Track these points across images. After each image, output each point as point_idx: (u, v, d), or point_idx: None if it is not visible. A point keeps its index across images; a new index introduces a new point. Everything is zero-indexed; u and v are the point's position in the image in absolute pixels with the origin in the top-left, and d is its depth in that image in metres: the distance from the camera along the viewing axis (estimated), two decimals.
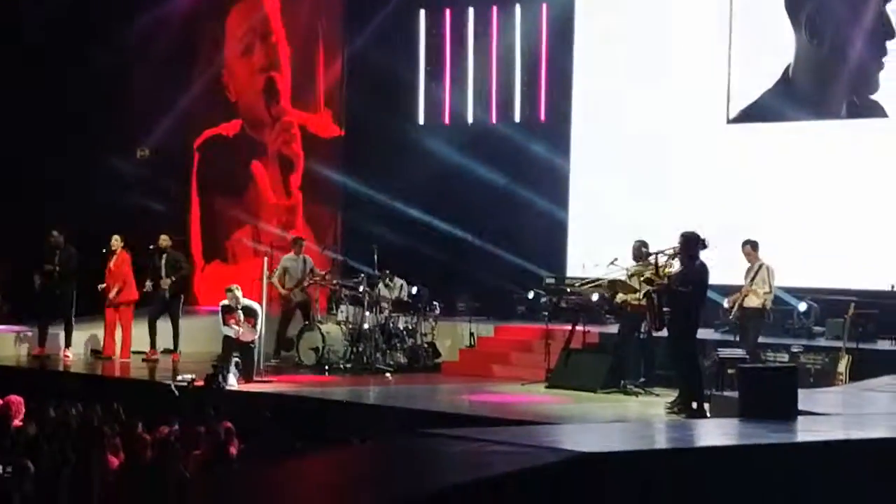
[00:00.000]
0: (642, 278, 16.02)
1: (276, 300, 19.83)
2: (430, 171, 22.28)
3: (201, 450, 11.74)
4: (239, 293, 18.10)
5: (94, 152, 23.35)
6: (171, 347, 20.24)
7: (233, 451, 12.03)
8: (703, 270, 14.93)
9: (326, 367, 19.14)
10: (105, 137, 23.64)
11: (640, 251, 16.76)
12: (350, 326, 19.55)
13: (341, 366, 19.24)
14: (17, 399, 13.25)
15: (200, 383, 16.52)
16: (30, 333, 20.58)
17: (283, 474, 7.47)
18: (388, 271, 20.23)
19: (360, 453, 8.92)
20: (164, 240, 20.38)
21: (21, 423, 12.70)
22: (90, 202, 22.71)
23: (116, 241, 20.30)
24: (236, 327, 17.71)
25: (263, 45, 25.52)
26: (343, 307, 19.80)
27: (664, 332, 15.52)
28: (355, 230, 23.28)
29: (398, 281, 20.21)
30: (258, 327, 17.95)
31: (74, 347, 20.35)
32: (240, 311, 17.85)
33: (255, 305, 18.12)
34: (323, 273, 20.65)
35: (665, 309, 15.17)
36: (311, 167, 24.71)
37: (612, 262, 17.19)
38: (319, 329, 19.56)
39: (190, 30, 25.34)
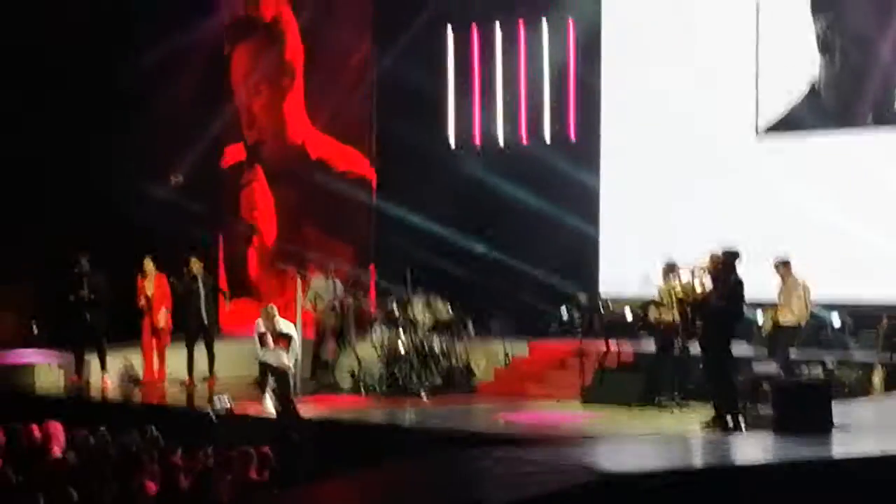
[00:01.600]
0: (677, 297, 16.05)
1: (310, 324, 19.88)
2: (461, 190, 22.33)
3: (233, 475, 11.81)
4: (275, 313, 18.12)
5: (122, 177, 23.44)
6: (207, 373, 20.30)
7: (259, 475, 12.08)
8: (740, 286, 14.93)
9: (363, 390, 19.17)
10: (134, 163, 23.76)
11: (671, 268, 16.77)
12: (385, 349, 19.58)
13: (377, 388, 19.26)
14: (57, 426, 13.33)
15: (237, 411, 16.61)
16: (62, 361, 20.59)
17: (320, 497, 7.54)
18: (430, 291, 20.21)
19: (397, 475, 8.97)
20: (196, 263, 20.41)
21: (61, 451, 12.78)
22: (118, 227, 22.79)
23: (150, 265, 20.34)
24: (275, 351, 17.72)
25: (285, 74, 25.58)
26: (378, 330, 19.84)
27: (697, 347, 15.54)
28: (388, 251, 23.32)
29: (437, 302, 20.14)
30: (294, 351, 18.00)
31: (109, 373, 20.35)
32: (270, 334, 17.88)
33: (291, 328, 18.17)
34: (352, 294, 20.73)
35: (697, 322, 15.19)
36: (342, 189, 24.75)
37: (644, 280, 17.23)
38: (355, 352, 19.60)
39: (214, 58, 25.45)
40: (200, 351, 20.39)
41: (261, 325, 17.98)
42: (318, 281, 20.71)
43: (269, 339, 17.82)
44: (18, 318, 24.29)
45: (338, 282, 20.79)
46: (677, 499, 7.92)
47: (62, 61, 23.10)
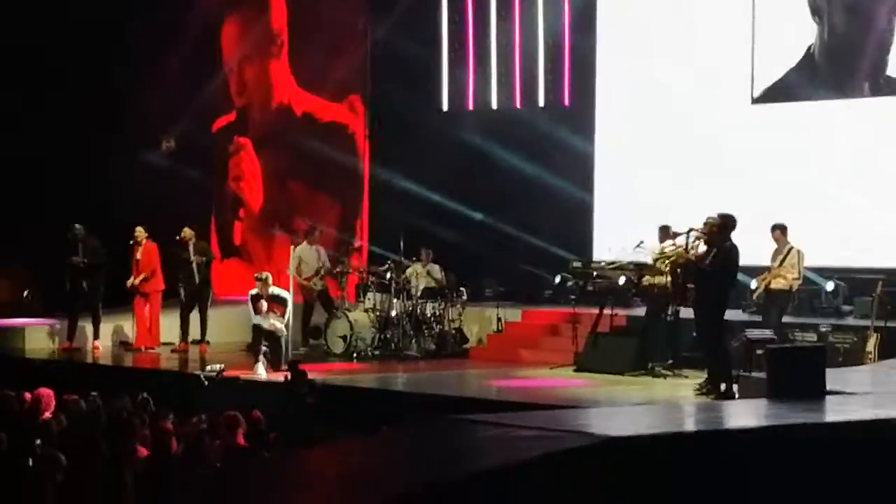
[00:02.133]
0: (668, 259, 16.04)
1: (296, 291, 19.85)
2: (454, 156, 22.25)
3: (224, 440, 11.79)
4: (269, 280, 18.16)
5: (115, 145, 23.40)
6: (199, 338, 20.32)
7: (250, 440, 12.07)
8: (733, 252, 14.91)
9: (355, 355, 19.17)
10: (127, 129, 23.73)
11: (666, 234, 16.78)
12: (378, 314, 19.57)
13: (369, 353, 19.27)
14: (47, 392, 13.31)
15: (229, 374, 16.60)
16: (59, 326, 20.67)
17: (311, 461, 7.50)
18: (430, 252, 20.19)
19: (389, 440, 8.94)
20: (188, 231, 20.46)
21: (51, 416, 12.76)
22: (113, 194, 22.78)
23: (141, 233, 20.41)
24: (268, 316, 17.73)
25: (272, 41, 25.52)
26: (370, 294, 19.84)
27: (691, 314, 15.54)
28: (381, 217, 23.29)
29: (435, 266, 20.17)
30: (287, 316, 18.02)
31: (102, 339, 20.45)
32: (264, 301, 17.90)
33: (284, 293, 18.20)
34: (340, 265, 20.74)
35: (689, 286, 15.20)
36: (335, 156, 24.69)
37: (637, 246, 17.26)
38: (347, 317, 19.57)
39: (206, 27, 25.37)
40: (194, 317, 20.40)
41: (255, 290, 18.02)
42: (302, 247, 20.65)
43: (263, 304, 17.84)
44: (13, 285, 24.27)
45: (321, 249, 20.74)
46: (670, 463, 7.88)
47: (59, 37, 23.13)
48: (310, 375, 14.78)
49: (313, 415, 13.26)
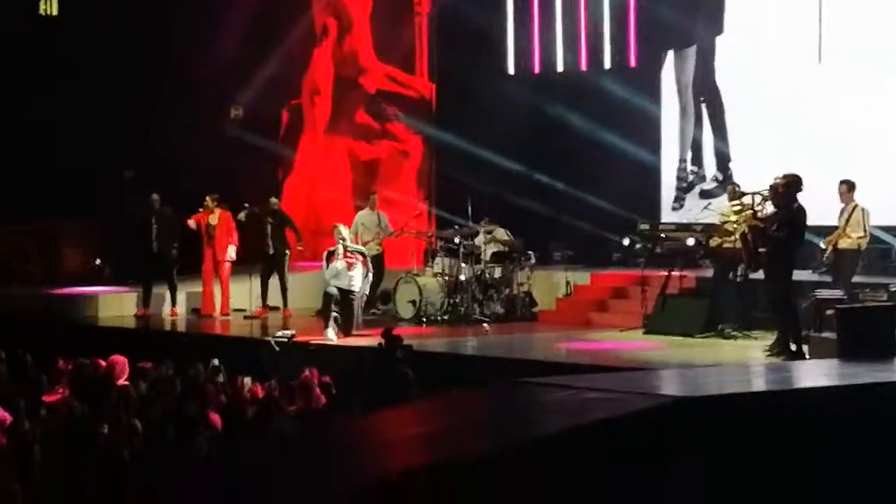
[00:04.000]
0: (737, 222, 15.99)
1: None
2: (520, 120, 22.20)
3: (297, 405, 11.91)
4: (345, 232, 18.23)
5: (186, 113, 23.57)
6: (280, 304, 20.43)
7: (323, 402, 12.18)
8: (801, 213, 14.85)
9: (424, 319, 19.24)
10: (197, 98, 23.90)
11: (735, 193, 16.74)
12: (446, 278, 19.62)
13: (439, 318, 19.33)
14: (121, 359, 13.46)
15: (300, 339, 16.72)
16: (132, 294, 20.87)
17: (383, 424, 7.57)
18: (487, 219, 20.23)
19: (459, 403, 9.00)
20: (273, 202, 20.71)
21: (126, 383, 12.92)
22: (183, 163, 22.95)
23: (211, 201, 20.53)
24: (348, 270, 17.75)
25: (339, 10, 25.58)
26: (439, 259, 19.89)
27: (760, 274, 15.49)
28: (448, 182, 23.32)
29: (500, 230, 20.17)
30: (366, 271, 18.07)
31: (177, 306, 20.64)
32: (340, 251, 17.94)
33: (362, 248, 18.35)
34: (406, 229, 20.80)
35: (760, 250, 15.14)
36: (402, 121, 24.79)
37: (706, 207, 17.22)
38: (416, 281, 19.63)
39: None
40: (271, 283, 20.53)
41: (331, 248, 18.06)
42: (362, 213, 20.73)
43: (339, 258, 17.85)
44: (87, 253, 24.54)
45: (382, 214, 20.79)
46: (740, 424, 7.89)
47: None
48: (373, 341, 14.84)
49: (408, 382, 13.31)
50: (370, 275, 18.37)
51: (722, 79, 21.23)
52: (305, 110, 25.89)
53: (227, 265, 20.60)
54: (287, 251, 20.55)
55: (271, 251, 20.30)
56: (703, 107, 21.50)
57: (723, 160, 21.05)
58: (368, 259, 18.33)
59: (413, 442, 7.03)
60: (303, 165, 25.92)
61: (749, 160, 20.00)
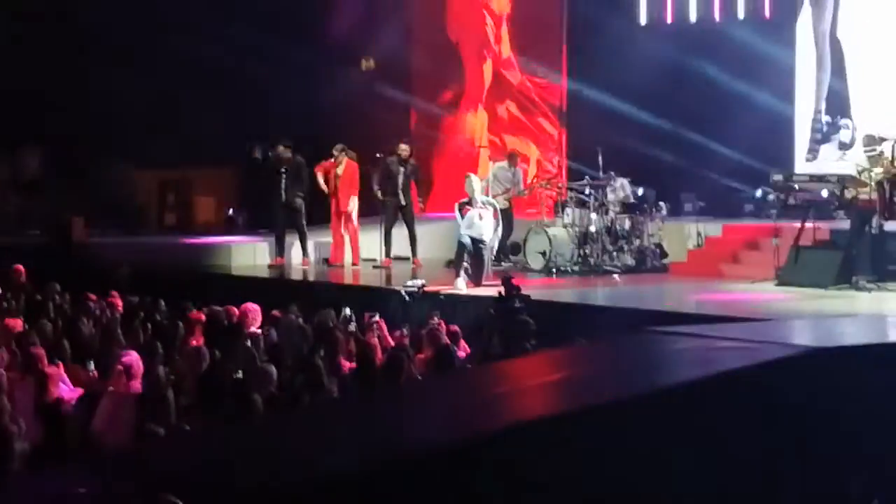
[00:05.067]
0: (873, 171, 15.75)
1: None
2: (653, 71, 22.00)
3: (425, 353, 11.97)
4: (476, 183, 18.23)
5: (316, 62, 23.71)
6: (409, 254, 20.49)
7: (460, 353, 12.23)
8: None
9: (554, 270, 19.22)
10: (327, 47, 24.05)
11: (873, 141, 16.46)
12: (576, 229, 19.57)
13: (568, 269, 19.31)
14: (253, 307, 13.65)
15: (430, 289, 16.78)
16: (264, 244, 21.07)
17: (509, 372, 7.58)
18: (611, 172, 20.12)
19: (589, 352, 8.97)
20: (404, 149, 20.56)
21: (258, 330, 13.10)
22: (314, 112, 23.11)
23: (340, 151, 20.60)
24: (478, 221, 17.76)
25: None
26: (569, 210, 19.84)
27: (895, 225, 15.25)
28: (579, 133, 23.23)
29: (620, 181, 20.03)
30: (497, 224, 18.07)
31: (308, 255, 20.81)
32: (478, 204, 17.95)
33: (493, 200, 18.35)
34: (539, 180, 20.75)
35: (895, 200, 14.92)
36: (531, 67, 24.77)
37: (841, 158, 16.96)
38: (546, 233, 19.60)
39: None
40: (397, 233, 20.58)
41: (463, 200, 18.07)
42: (499, 166, 20.72)
43: (472, 208, 17.88)
44: (220, 202, 24.88)
45: (518, 170, 20.74)
46: (874, 374, 7.77)
47: None
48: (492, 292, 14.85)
49: (528, 330, 13.30)
50: (500, 228, 18.38)
51: (860, 30, 20.85)
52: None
53: (353, 215, 20.62)
54: (412, 201, 20.50)
55: (402, 202, 20.31)
56: (838, 59, 21.15)
57: (859, 112, 20.71)
58: (498, 211, 18.33)
59: (541, 390, 7.03)
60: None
61: (887, 110, 19.66)
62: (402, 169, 20.39)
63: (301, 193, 20.54)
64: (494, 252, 18.70)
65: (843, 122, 20.96)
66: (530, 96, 24.98)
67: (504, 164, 20.82)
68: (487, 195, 19.22)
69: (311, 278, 19.91)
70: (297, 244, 20.83)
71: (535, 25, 24.84)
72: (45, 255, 20.23)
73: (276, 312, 13.99)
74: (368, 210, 20.86)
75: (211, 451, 5.85)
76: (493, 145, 24.82)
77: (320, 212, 20.96)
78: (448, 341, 12.28)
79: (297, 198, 20.52)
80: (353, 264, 20.61)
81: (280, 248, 20.67)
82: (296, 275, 20.15)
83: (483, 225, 17.83)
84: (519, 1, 25.17)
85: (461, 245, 17.75)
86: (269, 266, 20.62)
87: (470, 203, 17.95)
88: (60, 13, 23.40)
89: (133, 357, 10.64)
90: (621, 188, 19.98)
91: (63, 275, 16.91)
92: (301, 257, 20.78)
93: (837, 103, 21.08)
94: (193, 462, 5.59)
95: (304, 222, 20.67)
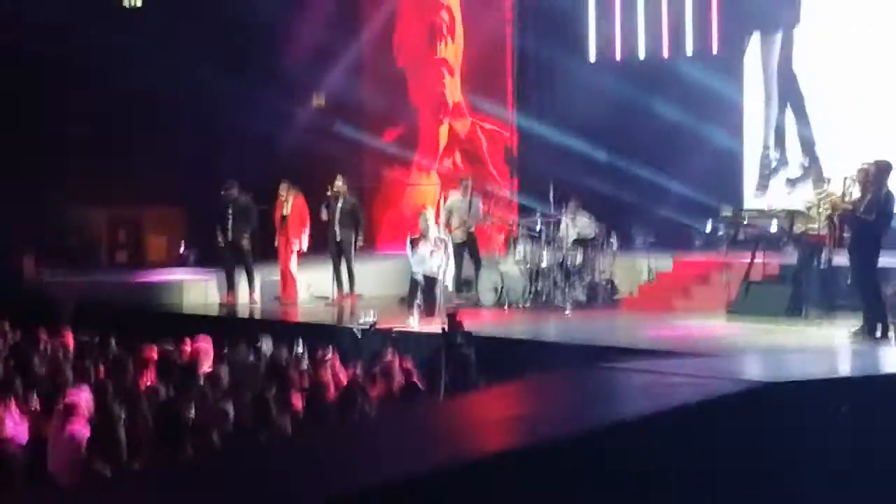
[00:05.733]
0: (824, 207, 15.90)
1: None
2: (602, 107, 22.12)
3: (377, 389, 11.95)
4: (431, 219, 18.22)
5: (265, 101, 23.70)
6: (347, 291, 20.43)
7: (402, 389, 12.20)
8: (890, 198, 14.77)
9: (506, 306, 19.24)
10: (281, 84, 24.05)
11: (819, 180, 16.63)
12: (528, 265, 19.59)
13: (520, 304, 19.33)
14: (206, 345, 13.60)
15: (382, 325, 16.75)
16: (213, 281, 20.96)
17: (463, 407, 7.58)
18: (573, 202, 20.05)
19: (540, 387, 8.99)
20: (339, 185, 20.48)
21: (210, 369, 13.03)
22: (267, 149, 23.09)
23: (285, 189, 20.55)
24: (430, 257, 17.76)
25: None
26: (520, 246, 19.85)
27: (844, 261, 15.36)
28: (529, 168, 23.30)
29: (582, 217, 20.01)
30: (448, 257, 18.06)
31: (256, 291, 20.73)
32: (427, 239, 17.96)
33: (445, 235, 18.36)
34: (490, 215, 20.76)
35: (845, 234, 15.05)
36: (481, 107, 24.82)
37: (789, 193, 17.11)
38: (498, 268, 19.63)
39: None
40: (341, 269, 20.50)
41: (415, 236, 18.05)
42: (453, 199, 20.68)
43: (422, 243, 17.88)
44: (170, 240, 24.79)
45: (475, 200, 20.68)
46: (826, 409, 7.82)
47: None
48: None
49: (469, 364, 13.34)
50: (451, 262, 18.38)
51: (803, 66, 21.03)
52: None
53: (297, 253, 20.54)
54: (354, 237, 20.34)
55: (338, 238, 20.26)
56: (787, 93, 21.33)
57: (808, 146, 20.89)
58: (450, 245, 18.33)
59: (490, 426, 7.03)
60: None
61: (834, 147, 19.84)
62: (338, 205, 20.32)
63: (247, 233, 20.45)
64: (451, 286, 18.68)
65: (791, 156, 21.14)
66: (479, 147, 25.00)
67: (458, 196, 20.72)
68: (448, 229, 19.24)
69: (257, 317, 19.83)
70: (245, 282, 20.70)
71: (484, 64, 24.89)
72: None
73: (227, 350, 13.95)
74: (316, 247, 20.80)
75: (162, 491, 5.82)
76: (443, 178, 24.81)
77: (266, 248, 20.89)
78: (402, 378, 12.26)
79: (244, 238, 20.43)
80: (288, 301, 20.46)
81: (230, 286, 20.56)
82: (246, 312, 20.07)
83: (434, 262, 17.86)
84: (468, 40, 25.21)
85: (413, 282, 17.80)
86: (220, 304, 20.54)
87: (423, 238, 17.97)
88: (14, 48, 23.25)
89: (82, 394, 10.57)
90: (583, 222, 19.90)
91: (14, 312, 16.82)
92: (249, 294, 20.66)
93: (787, 137, 21.25)
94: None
95: (251, 261, 20.56)
